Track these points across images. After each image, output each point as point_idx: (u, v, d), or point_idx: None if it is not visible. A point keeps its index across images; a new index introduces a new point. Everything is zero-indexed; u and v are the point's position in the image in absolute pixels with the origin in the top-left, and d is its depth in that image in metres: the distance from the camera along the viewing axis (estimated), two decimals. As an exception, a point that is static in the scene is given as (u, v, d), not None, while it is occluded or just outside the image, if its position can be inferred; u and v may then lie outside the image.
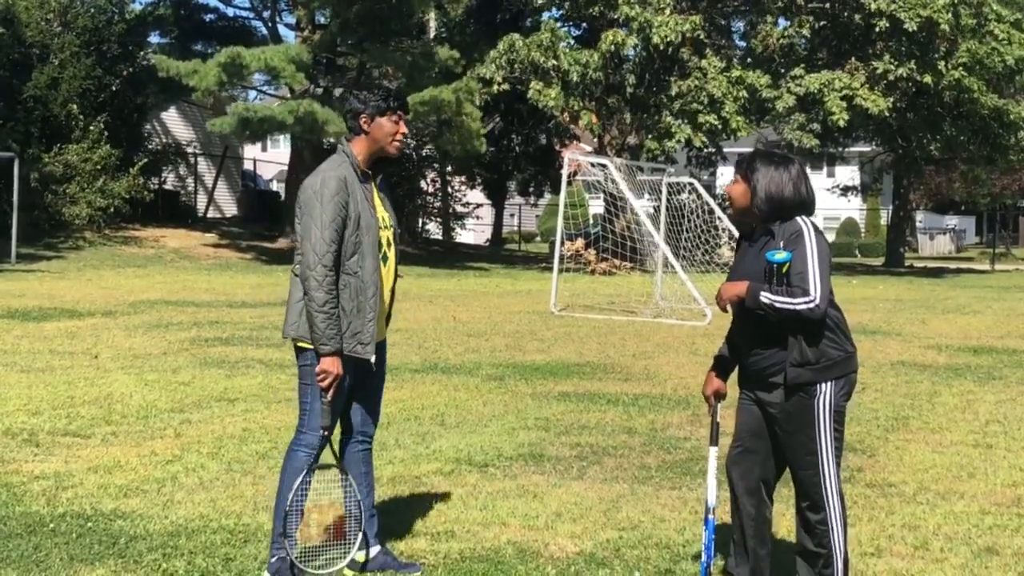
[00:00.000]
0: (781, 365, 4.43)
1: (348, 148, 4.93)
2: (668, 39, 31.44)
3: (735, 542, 4.73)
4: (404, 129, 4.99)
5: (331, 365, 4.72)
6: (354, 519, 4.87)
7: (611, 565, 5.27)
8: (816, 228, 4.47)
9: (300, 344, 4.84)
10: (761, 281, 4.41)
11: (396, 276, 5.13)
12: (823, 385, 4.42)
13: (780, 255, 4.37)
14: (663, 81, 34.19)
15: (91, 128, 29.91)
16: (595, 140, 37.50)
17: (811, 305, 4.31)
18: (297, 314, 4.82)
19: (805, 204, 4.51)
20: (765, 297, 4.34)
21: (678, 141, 33.21)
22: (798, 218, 4.47)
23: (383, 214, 5.01)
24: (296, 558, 4.77)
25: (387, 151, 4.98)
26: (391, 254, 5.03)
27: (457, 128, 31.38)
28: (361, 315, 4.80)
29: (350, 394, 4.99)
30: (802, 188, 4.51)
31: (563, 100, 32.58)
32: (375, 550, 5.07)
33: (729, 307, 4.56)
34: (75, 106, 29.89)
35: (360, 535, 4.88)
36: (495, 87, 32.64)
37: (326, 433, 4.81)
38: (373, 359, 4.88)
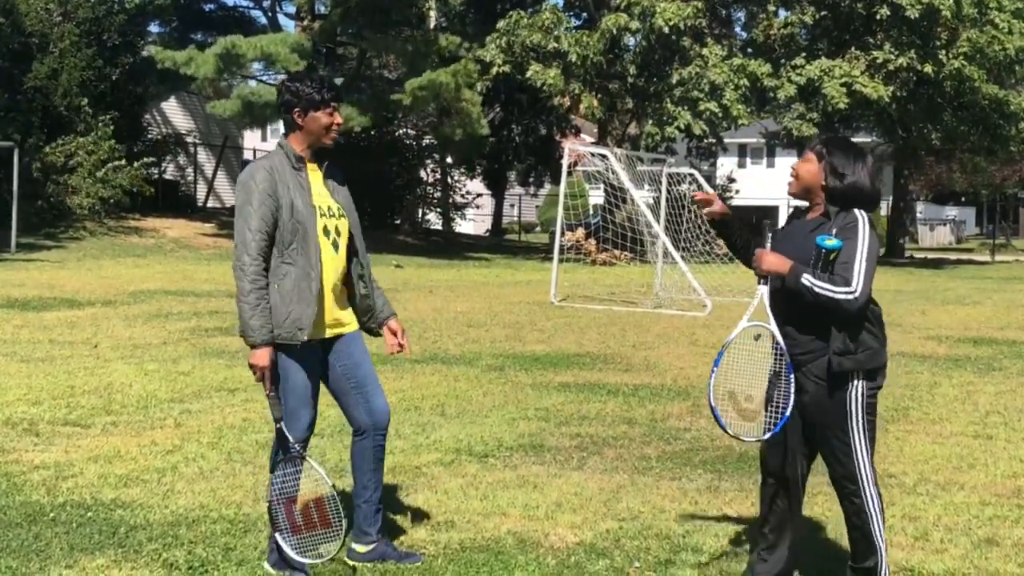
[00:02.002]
0: (816, 354, 4.41)
1: (284, 142, 4.91)
2: (672, 23, 31.39)
3: (763, 534, 4.72)
4: (339, 120, 4.94)
5: (258, 359, 4.68)
6: (334, 504, 4.85)
7: (611, 555, 5.27)
8: (871, 224, 4.45)
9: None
10: (807, 261, 4.37)
11: (358, 272, 5.02)
12: (857, 377, 4.41)
13: (831, 242, 4.33)
14: (664, 71, 34.17)
15: (99, 124, 29.84)
16: (596, 131, 37.46)
17: (850, 297, 4.28)
18: None
19: (875, 197, 4.51)
20: (806, 279, 4.31)
21: (678, 127, 33.18)
22: (856, 211, 4.44)
23: (329, 202, 4.93)
24: (288, 548, 4.76)
25: (323, 143, 4.93)
26: (342, 243, 4.95)
27: (457, 114, 31.35)
28: (303, 303, 4.74)
29: (338, 394, 4.99)
30: (876, 182, 4.51)
31: (562, 82, 32.57)
32: (375, 543, 5.07)
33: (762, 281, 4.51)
34: (85, 100, 29.87)
35: (345, 521, 4.87)
36: (495, 69, 32.59)
37: (279, 425, 4.79)
38: (304, 338, 4.75)
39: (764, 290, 4.49)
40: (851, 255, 4.33)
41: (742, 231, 4.82)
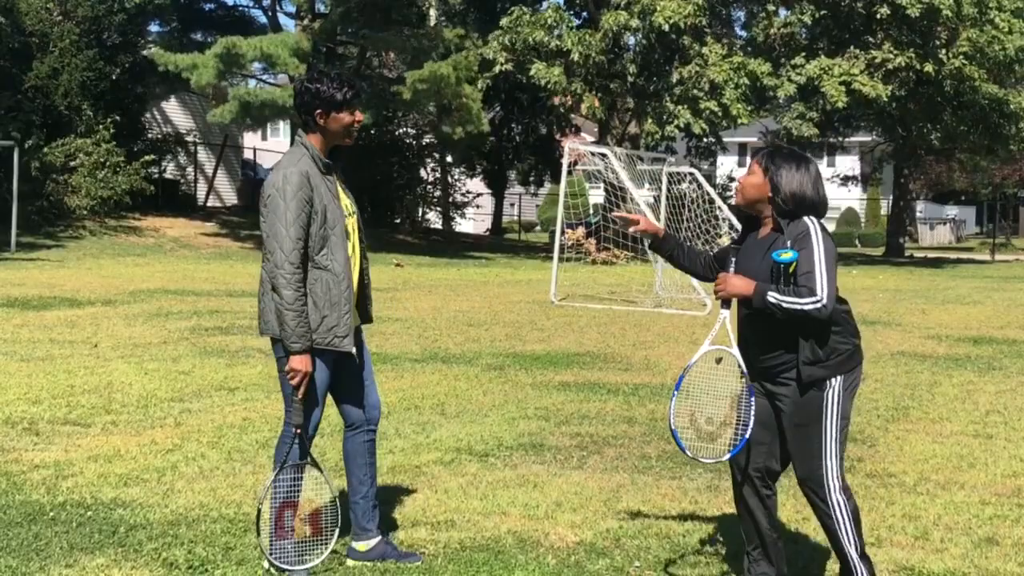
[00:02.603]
0: (789, 364, 4.44)
1: (307, 141, 4.84)
2: (672, 21, 31.40)
3: (747, 538, 4.72)
4: (360, 118, 4.90)
5: (300, 363, 4.69)
6: (330, 515, 4.86)
7: (611, 555, 5.27)
8: (823, 228, 4.46)
9: (276, 337, 4.82)
10: (767, 280, 4.40)
11: (364, 260, 5.07)
12: (833, 379, 4.43)
13: (787, 255, 4.35)
14: (664, 70, 34.17)
15: (100, 127, 29.83)
16: (596, 130, 37.47)
17: (818, 305, 4.29)
18: (272, 312, 4.79)
19: (820, 205, 4.50)
20: (772, 297, 4.33)
21: (677, 126, 33.17)
22: (805, 218, 4.45)
23: (346, 202, 4.95)
24: (269, 552, 4.76)
25: (344, 142, 4.92)
26: (356, 241, 4.98)
27: (458, 110, 31.35)
28: (336, 308, 4.76)
29: (338, 388, 4.99)
30: (820, 189, 4.51)
31: (565, 81, 32.62)
32: (376, 540, 5.08)
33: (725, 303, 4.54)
34: (89, 104, 29.89)
35: (336, 530, 4.86)
36: (498, 67, 32.61)
37: (298, 431, 4.79)
38: (353, 351, 4.86)
39: (726, 314, 4.53)
40: (810, 264, 4.34)
41: (677, 245, 4.93)
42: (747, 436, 4.38)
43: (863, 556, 4.53)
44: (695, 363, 4.50)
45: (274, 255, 4.68)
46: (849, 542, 4.48)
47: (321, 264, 4.75)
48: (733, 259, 4.59)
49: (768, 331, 4.44)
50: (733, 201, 4.70)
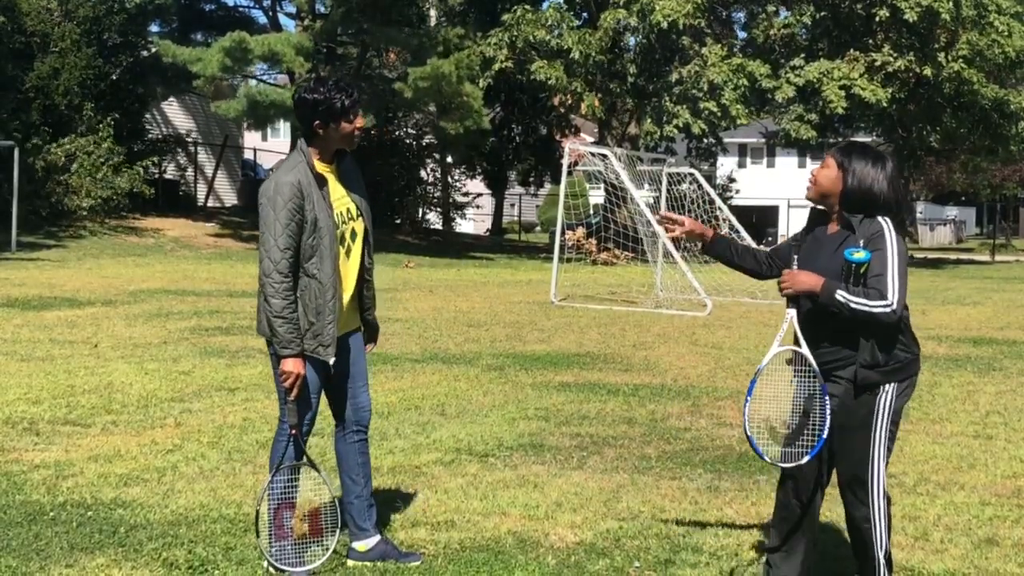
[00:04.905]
0: (845, 361, 4.38)
1: (306, 148, 4.83)
2: (671, 18, 31.41)
3: (778, 535, 4.68)
4: (360, 123, 4.87)
5: (293, 366, 4.72)
6: (329, 515, 4.86)
7: (611, 555, 5.27)
8: (898, 230, 4.38)
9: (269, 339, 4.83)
10: (837, 277, 4.32)
11: (366, 266, 5.04)
12: (887, 385, 4.38)
13: (859, 255, 4.27)
14: (663, 70, 34.18)
15: (100, 125, 29.84)
16: (596, 131, 37.48)
17: (887, 309, 4.24)
18: (264, 313, 4.81)
19: (894, 205, 4.42)
20: (841, 296, 4.26)
21: (676, 126, 33.18)
22: (880, 218, 4.37)
23: (348, 205, 4.92)
24: (269, 554, 4.77)
25: (346, 147, 4.92)
26: (355, 247, 4.96)
27: (458, 109, 31.34)
28: (321, 317, 4.77)
29: (328, 389, 5.00)
30: (896, 189, 4.43)
31: (566, 79, 32.68)
32: (375, 539, 5.08)
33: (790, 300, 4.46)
34: (90, 104, 29.90)
35: (336, 531, 4.87)
36: (498, 64, 32.65)
37: (294, 432, 4.81)
38: (332, 361, 4.86)
39: (792, 313, 4.44)
40: (883, 266, 4.27)
41: (728, 245, 4.79)
42: (824, 436, 4.29)
43: (888, 559, 4.53)
44: (765, 366, 4.39)
45: (262, 263, 4.72)
46: (880, 547, 4.46)
47: (310, 272, 4.76)
48: (795, 256, 4.51)
49: (829, 326, 4.37)
50: (805, 195, 4.62)
